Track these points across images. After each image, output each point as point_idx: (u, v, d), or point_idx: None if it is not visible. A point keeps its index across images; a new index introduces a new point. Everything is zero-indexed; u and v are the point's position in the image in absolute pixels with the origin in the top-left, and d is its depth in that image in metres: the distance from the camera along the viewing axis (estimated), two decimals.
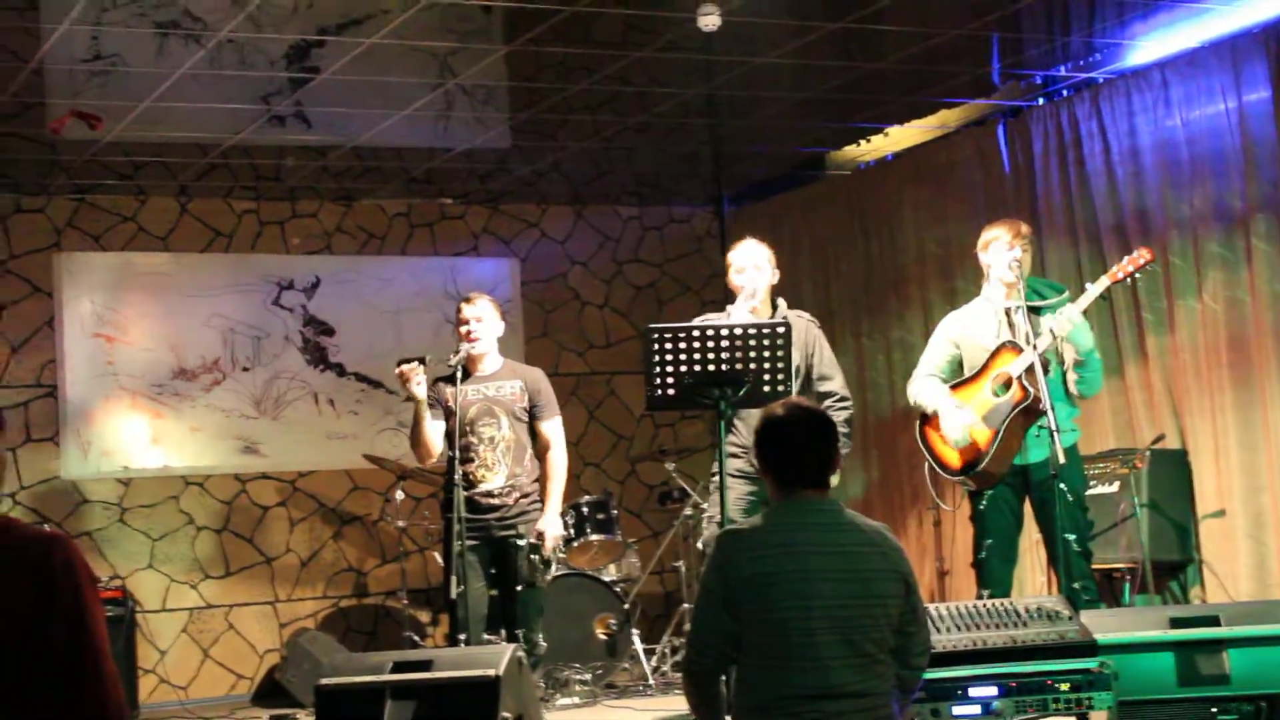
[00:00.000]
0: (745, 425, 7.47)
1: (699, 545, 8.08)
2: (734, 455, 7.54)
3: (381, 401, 11.61)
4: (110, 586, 10.13)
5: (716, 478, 7.67)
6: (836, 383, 7.50)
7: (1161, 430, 8.93)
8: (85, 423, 10.83)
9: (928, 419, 7.59)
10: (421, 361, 7.66)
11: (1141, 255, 7.27)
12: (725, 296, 7.74)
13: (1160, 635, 6.05)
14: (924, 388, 7.58)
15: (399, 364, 7.67)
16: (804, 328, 7.52)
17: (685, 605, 9.91)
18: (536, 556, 7.79)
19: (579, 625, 9.74)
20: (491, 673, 6.36)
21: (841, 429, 6.97)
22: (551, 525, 7.89)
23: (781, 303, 7.71)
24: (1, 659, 3.30)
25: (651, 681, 9.68)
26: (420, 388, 7.67)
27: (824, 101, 9.81)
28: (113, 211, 11.06)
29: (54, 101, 8.71)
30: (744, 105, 9.88)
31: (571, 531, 9.82)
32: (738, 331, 6.64)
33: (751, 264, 7.61)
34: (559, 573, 9.56)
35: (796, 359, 7.18)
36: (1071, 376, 7.26)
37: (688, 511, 10.43)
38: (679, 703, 7.99)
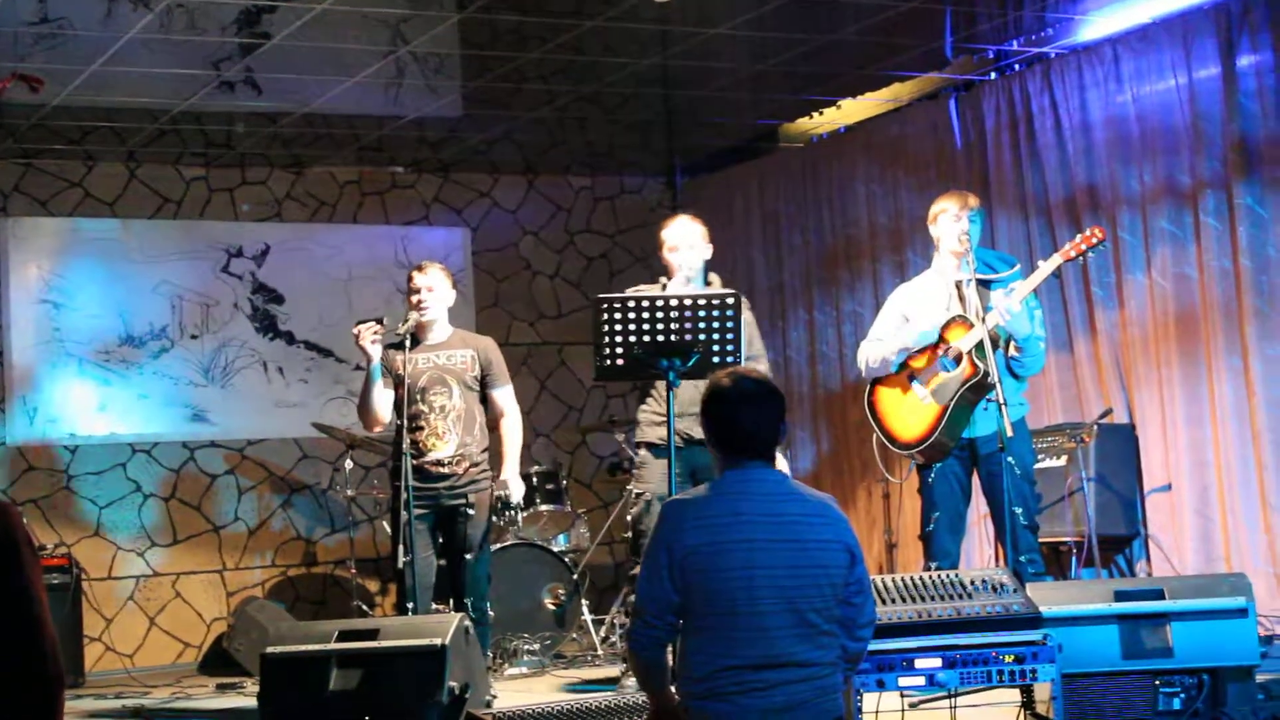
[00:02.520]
0: (682, 392, 7.51)
1: (627, 518, 8.15)
2: (657, 424, 7.60)
3: (331, 370, 11.56)
4: (56, 554, 10.08)
5: (643, 451, 7.74)
6: (763, 366, 7.54)
7: (1109, 405, 8.98)
8: (31, 389, 10.75)
9: (876, 386, 7.60)
10: (379, 322, 7.65)
11: (1094, 234, 7.30)
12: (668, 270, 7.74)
13: (1105, 608, 6.09)
14: (877, 345, 7.58)
15: (356, 324, 7.67)
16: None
17: (634, 573, 9.91)
18: (504, 494, 7.89)
19: (528, 595, 9.74)
20: (438, 642, 6.37)
21: None
22: (514, 481, 7.98)
23: (714, 278, 7.75)
24: None
25: (600, 651, 9.69)
26: (375, 347, 7.65)
27: (777, 74, 9.81)
28: (60, 176, 10.97)
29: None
30: (698, 76, 9.86)
31: (521, 501, 9.82)
32: (687, 302, 6.64)
33: (685, 242, 7.68)
34: (509, 543, 9.56)
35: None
36: (1013, 353, 7.30)
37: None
38: (626, 673, 8.00)
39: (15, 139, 10.28)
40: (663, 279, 7.75)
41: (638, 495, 7.79)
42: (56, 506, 10.79)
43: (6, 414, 10.70)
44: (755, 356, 7.55)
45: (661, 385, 7.33)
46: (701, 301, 6.65)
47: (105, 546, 10.91)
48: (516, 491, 8.07)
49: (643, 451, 7.78)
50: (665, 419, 7.37)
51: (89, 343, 10.92)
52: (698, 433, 7.34)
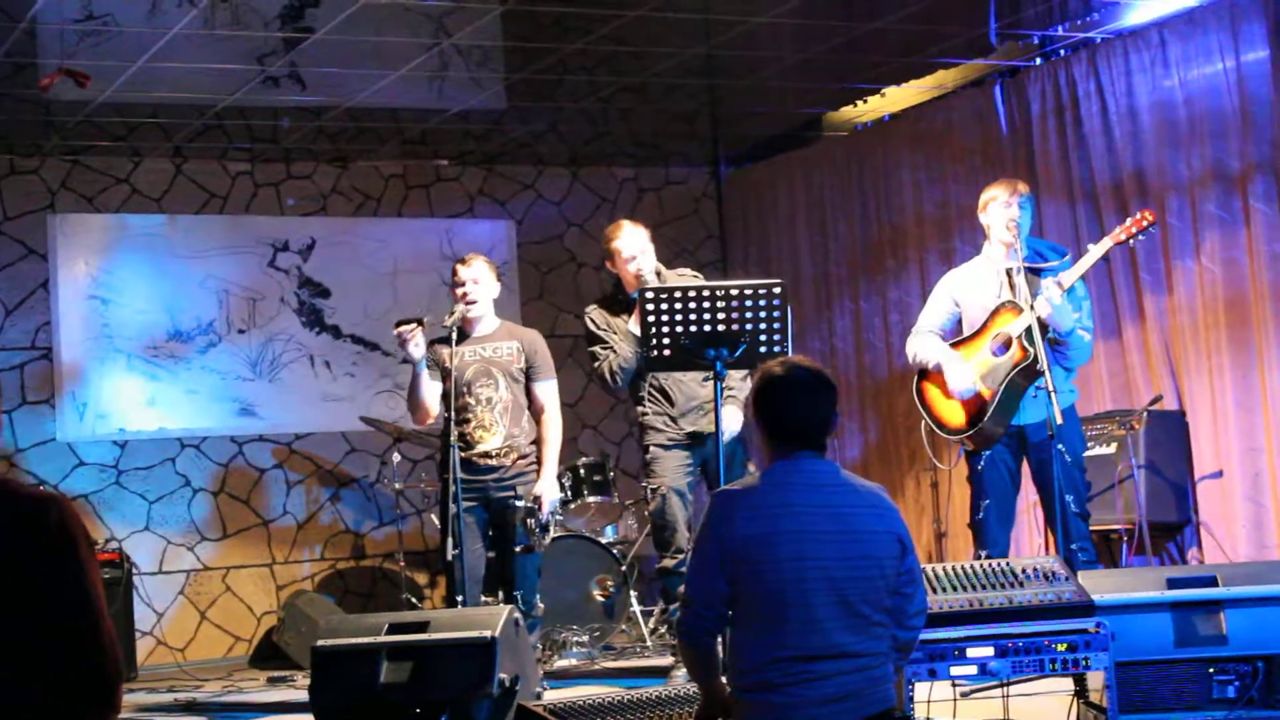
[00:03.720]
0: (676, 392, 7.68)
1: (646, 514, 8.25)
2: (657, 428, 7.73)
3: (378, 364, 11.59)
4: (107, 549, 10.13)
5: (653, 447, 7.82)
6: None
7: (1159, 391, 8.93)
8: (81, 385, 10.81)
9: (925, 375, 7.59)
10: (419, 323, 7.65)
11: (1144, 217, 7.27)
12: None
13: (1157, 596, 6.05)
14: (924, 343, 7.59)
15: (397, 325, 7.66)
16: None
17: (660, 566, 9.89)
18: (533, 521, 7.79)
19: (576, 587, 9.75)
20: (488, 634, 6.37)
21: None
22: (548, 489, 7.89)
23: (662, 268, 7.90)
24: None
25: (649, 643, 9.69)
26: (418, 349, 7.65)
27: (821, 62, 9.77)
28: (107, 173, 11.01)
29: (46, 62, 8.67)
30: (741, 66, 9.84)
31: (569, 493, 9.83)
32: (734, 291, 6.64)
33: (639, 249, 7.82)
34: (557, 535, 9.56)
35: None
36: (1056, 345, 7.29)
37: None
38: (676, 664, 7.99)
39: (62, 136, 10.33)
40: (620, 294, 7.92)
41: (653, 491, 7.85)
42: (107, 501, 10.85)
43: (57, 410, 10.76)
44: None
45: (654, 388, 7.69)
46: (749, 290, 6.64)
47: (155, 541, 10.96)
48: (549, 501, 7.90)
49: (652, 449, 7.84)
50: (664, 417, 7.76)
51: (137, 338, 10.97)
52: (703, 426, 7.52)
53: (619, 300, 7.98)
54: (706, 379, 7.37)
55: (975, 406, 7.34)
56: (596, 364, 7.90)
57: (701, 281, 7.63)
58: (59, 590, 3.30)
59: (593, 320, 7.98)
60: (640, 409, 7.93)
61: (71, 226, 10.90)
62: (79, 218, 10.92)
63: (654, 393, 7.84)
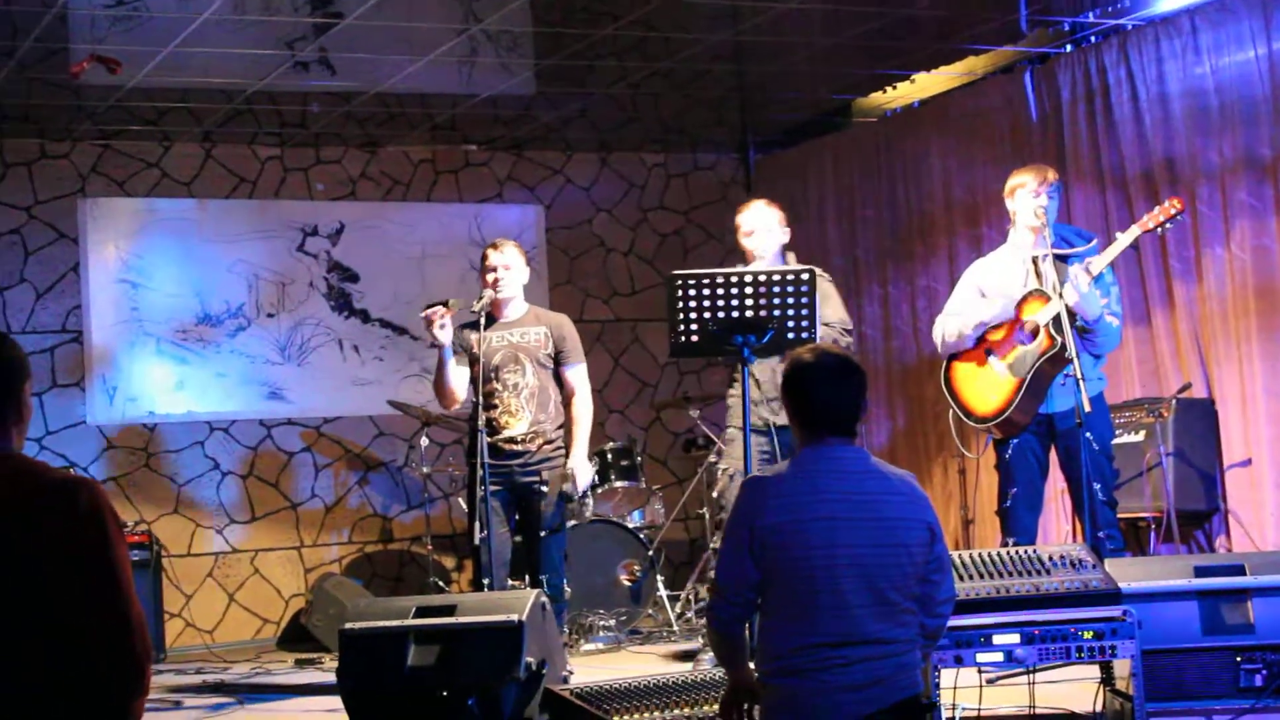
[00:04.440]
0: (761, 377, 7.52)
1: (714, 495, 8.08)
2: (739, 411, 7.62)
3: (406, 348, 11.61)
4: (136, 531, 10.17)
5: (731, 429, 7.72)
6: (838, 316, 7.55)
7: (1188, 379, 8.90)
8: (111, 368, 10.86)
9: (954, 360, 7.58)
10: (446, 305, 7.66)
11: (1173, 205, 7.25)
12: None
13: (1185, 584, 6.05)
14: (950, 320, 7.57)
15: (425, 308, 7.68)
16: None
17: (709, 551, 9.92)
18: (568, 487, 7.81)
19: (603, 571, 9.78)
20: (515, 618, 6.39)
21: (840, 340, 7.45)
22: (580, 464, 7.91)
23: (791, 257, 7.74)
24: (29, 601, 3.32)
25: (676, 627, 9.71)
26: (445, 332, 7.67)
27: (851, 48, 9.75)
28: (137, 157, 11.05)
29: (77, 47, 8.70)
30: (770, 51, 9.82)
31: (596, 478, 9.85)
32: (762, 278, 6.64)
33: (762, 226, 7.70)
34: (584, 519, 9.58)
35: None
36: (1084, 332, 7.27)
37: (712, 458, 10.43)
38: (704, 648, 8.01)
39: (93, 120, 10.37)
40: (740, 265, 7.73)
41: (722, 470, 7.81)
42: (136, 484, 10.90)
43: (87, 393, 10.81)
44: (830, 317, 7.53)
45: (755, 370, 7.36)
46: (776, 277, 6.65)
47: (184, 524, 11.02)
48: (583, 479, 7.95)
49: (731, 430, 7.77)
50: (754, 403, 7.40)
51: (167, 322, 11.02)
52: (783, 419, 7.40)
53: None
54: None
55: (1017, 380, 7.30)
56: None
57: (826, 287, 7.58)
58: (88, 573, 3.33)
59: None
60: (730, 389, 7.84)
61: (102, 210, 10.94)
62: (109, 202, 10.96)
63: (754, 372, 7.68)
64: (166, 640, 10.42)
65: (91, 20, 8.35)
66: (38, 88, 9.51)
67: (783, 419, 7.48)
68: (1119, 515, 7.45)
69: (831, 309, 7.66)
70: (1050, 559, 5.88)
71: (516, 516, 7.90)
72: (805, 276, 6.65)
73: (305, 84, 9.80)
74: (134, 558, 9.95)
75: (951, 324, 7.57)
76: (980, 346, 7.48)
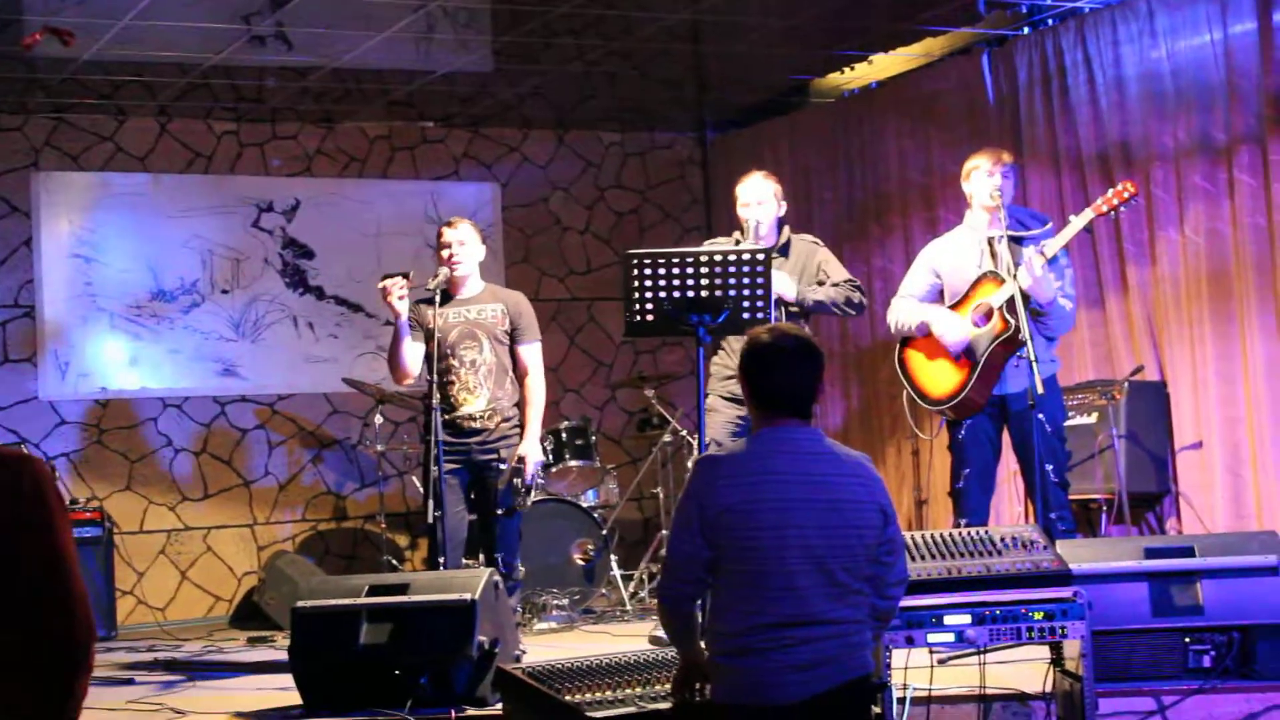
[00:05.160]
0: (736, 347, 7.48)
1: (688, 464, 8.03)
2: (720, 380, 7.62)
3: (361, 325, 11.58)
4: (89, 508, 10.12)
5: (710, 399, 7.70)
6: (844, 276, 7.57)
7: (1141, 362, 8.95)
8: (63, 343, 10.79)
9: (907, 344, 7.60)
10: (406, 276, 7.65)
11: (1126, 189, 7.28)
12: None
13: (1135, 566, 6.09)
14: (904, 306, 7.60)
15: (383, 278, 7.66)
16: (807, 250, 7.68)
17: (663, 531, 9.94)
18: (518, 480, 7.80)
19: (557, 551, 9.77)
20: (468, 597, 6.39)
21: (853, 297, 7.44)
22: (532, 450, 7.90)
23: (786, 229, 7.75)
24: None
25: (629, 607, 9.71)
26: (402, 303, 7.64)
27: (808, 28, 9.75)
28: (91, 131, 10.98)
29: (30, 19, 8.63)
30: (728, 31, 9.81)
31: (550, 457, 9.84)
32: (717, 258, 6.64)
33: (755, 199, 7.66)
34: (538, 498, 9.58)
35: (800, 280, 7.44)
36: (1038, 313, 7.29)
37: (667, 438, 10.44)
38: (655, 628, 8.01)
39: (46, 93, 10.29)
40: (736, 234, 7.72)
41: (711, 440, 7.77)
42: (88, 460, 10.85)
43: (39, 368, 10.74)
44: (840, 284, 7.53)
45: (733, 341, 7.38)
46: (732, 257, 6.64)
47: (137, 500, 10.97)
48: (533, 462, 7.91)
49: (710, 398, 7.70)
50: (732, 374, 7.41)
51: (120, 297, 10.95)
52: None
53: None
54: None
55: (968, 363, 7.34)
56: None
57: (821, 251, 7.66)
58: (31, 550, 3.30)
59: None
60: (714, 357, 7.81)
61: (55, 184, 10.86)
62: (63, 176, 10.89)
63: (729, 344, 7.68)
64: (118, 618, 10.36)
65: None
66: None
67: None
68: (1071, 497, 7.48)
69: (835, 269, 7.66)
70: (1002, 540, 5.91)
71: (472, 495, 7.89)
72: (760, 257, 6.65)
73: (262, 59, 9.75)
74: (86, 535, 9.91)
75: (904, 316, 7.59)
76: None
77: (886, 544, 4.53)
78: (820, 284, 7.55)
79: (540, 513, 9.59)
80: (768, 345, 4.57)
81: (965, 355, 7.34)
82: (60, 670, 3.33)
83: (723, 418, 7.59)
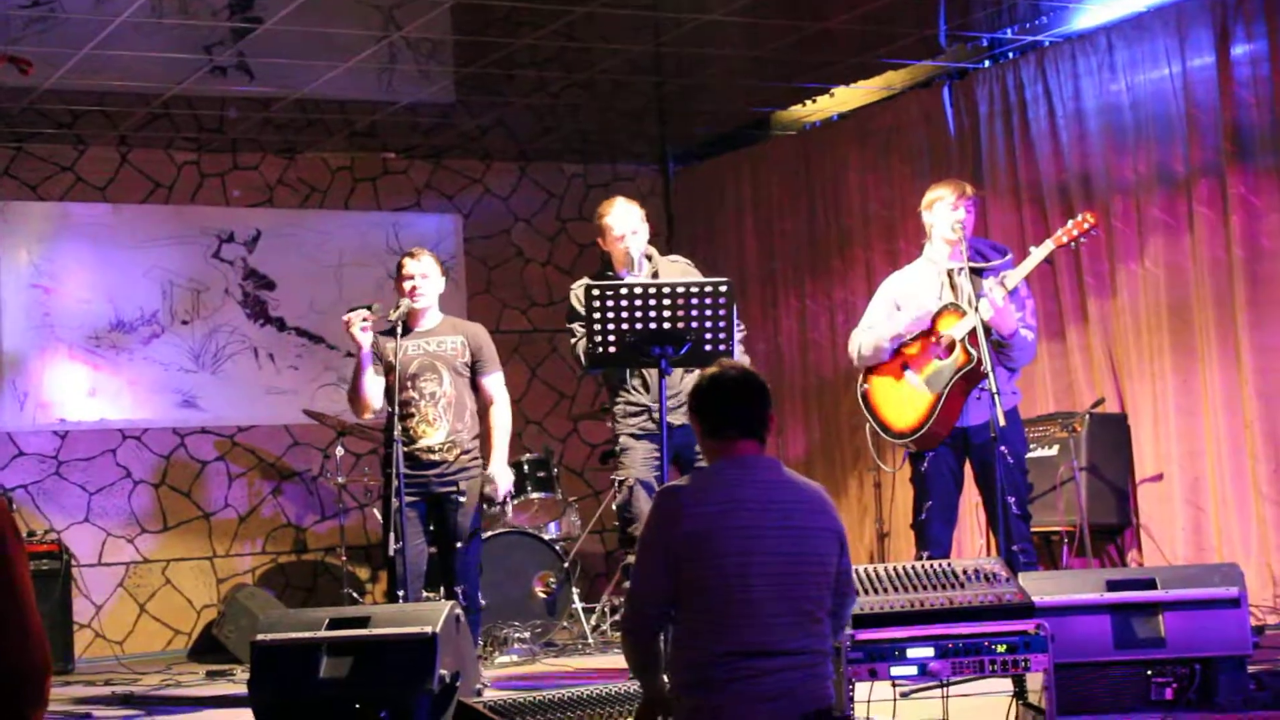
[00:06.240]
0: (654, 382, 7.48)
1: (613, 507, 8.03)
2: (630, 417, 7.64)
3: (322, 357, 11.54)
4: (46, 540, 10.06)
5: (624, 437, 7.73)
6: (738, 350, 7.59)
7: (1101, 394, 8.98)
8: (21, 374, 10.72)
9: (870, 374, 7.60)
10: (369, 309, 7.65)
11: (1086, 220, 7.31)
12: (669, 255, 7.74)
13: (1097, 598, 6.09)
14: (865, 335, 7.59)
15: (348, 311, 7.66)
16: (680, 271, 7.75)
17: (626, 561, 9.90)
18: (490, 490, 7.83)
19: (519, 583, 9.73)
20: (429, 629, 6.35)
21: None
22: (501, 473, 7.90)
23: (654, 251, 7.79)
24: None
25: (591, 640, 9.67)
26: (366, 335, 7.63)
27: (770, 61, 9.78)
28: (50, 160, 10.93)
29: None
30: (690, 63, 9.84)
31: (513, 489, 9.81)
32: (680, 289, 6.63)
33: (630, 228, 7.70)
34: (500, 530, 9.55)
35: None
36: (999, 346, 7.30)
37: None
38: (618, 660, 7.99)
39: (6, 122, 10.24)
40: (609, 271, 7.76)
41: (620, 482, 7.78)
42: (46, 492, 10.77)
43: None
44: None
45: (633, 380, 7.54)
46: (694, 289, 6.64)
47: (95, 532, 10.89)
48: (503, 484, 7.98)
49: (623, 438, 7.75)
50: (640, 409, 7.57)
51: (79, 328, 10.89)
52: (675, 419, 7.38)
53: (607, 279, 7.54)
54: (689, 371, 7.21)
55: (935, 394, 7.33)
56: (573, 341, 7.59)
57: (694, 273, 7.64)
58: None
59: (577, 297, 7.59)
60: (616, 397, 7.80)
61: (14, 214, 10.81)
62: (21, 205, 10.83)
63: (633, 381, 7.70)
64: (76, 651, 10.28)
65: (5, 20, 8.24)
66: None
67: (676, 418, 7.35)
68: (1032, 529, 7.49)
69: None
70: (964, 572, 5.90)
71: (432, 527, 7.86)
72: (723, 289, 6.65)
73: (223, 89, 9.72)
74: (43, 567, 9.84)
75: (868, 337, 7.58)
76: (896, 361, 7.50)
77: (843, 573, 4.55)
78: None
79: (502, 545, 9.56)
80: (719, 379, 4.62)
81: (930, 386, 7.34)
82: (15, 704, 3.28)
83: (640, 454, 7.62)
